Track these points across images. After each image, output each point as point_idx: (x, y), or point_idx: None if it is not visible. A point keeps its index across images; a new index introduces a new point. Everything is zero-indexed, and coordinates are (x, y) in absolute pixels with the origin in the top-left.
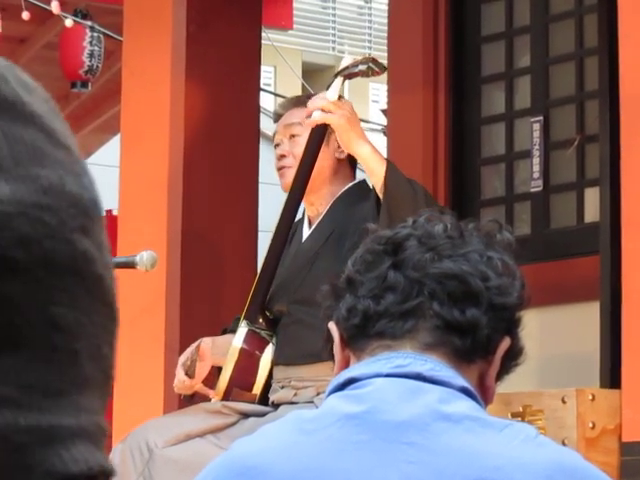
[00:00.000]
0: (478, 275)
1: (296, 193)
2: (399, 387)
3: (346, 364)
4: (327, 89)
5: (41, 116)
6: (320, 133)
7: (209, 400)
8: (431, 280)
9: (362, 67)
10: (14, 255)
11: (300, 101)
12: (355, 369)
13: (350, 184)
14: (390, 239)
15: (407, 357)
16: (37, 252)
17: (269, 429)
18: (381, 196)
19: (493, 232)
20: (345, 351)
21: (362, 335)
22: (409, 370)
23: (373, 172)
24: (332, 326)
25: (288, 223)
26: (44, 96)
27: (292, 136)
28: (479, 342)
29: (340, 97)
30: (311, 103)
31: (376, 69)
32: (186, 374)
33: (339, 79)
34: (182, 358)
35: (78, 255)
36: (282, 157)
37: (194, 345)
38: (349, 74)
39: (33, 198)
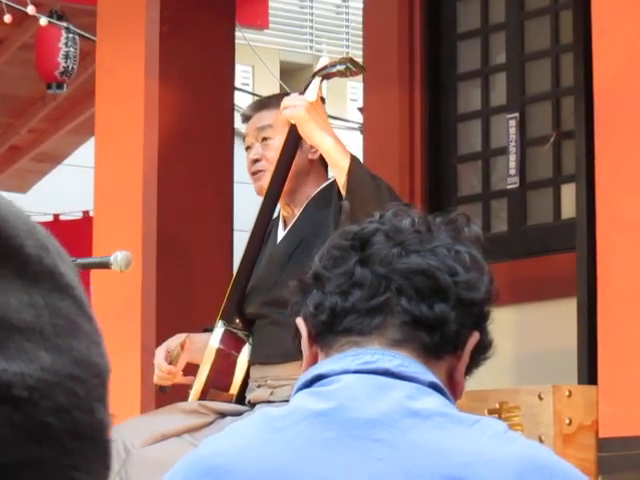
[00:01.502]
0: (446, 270)
1: (272, 196)
2: (367, 384)
3: (314, 360)
4: (304, 90)
5: (74, 287)
6: (296, 135)
7: (186, 396)
8: (398, 276)
9: (340, 67)
10: (50, 422)
11: (270, 103)
12: (323, 366)
13: (324, 184)
14: (357, 234)
15: (375, 353)
16: (67, 421)
17: (237, 427)
18: (343, 191)
19: (461, 226)
20: (313, 347)
21: (330, 331)
22: (377, 366)
23: (336, 165)
24: (300, 322)
25: (264, 225)
26: (71, 263)
27: (264, 139)
28: (447, 337)
29: (322, 99)
30: (283, 103)
31: (354, 69)
32: (170, 363)
33: (317, 79)
34: (166, 347)
35: (96, 424)
36: (255, 161)
37: (181, 337)
38: (327, 74)
39: (67, 369)
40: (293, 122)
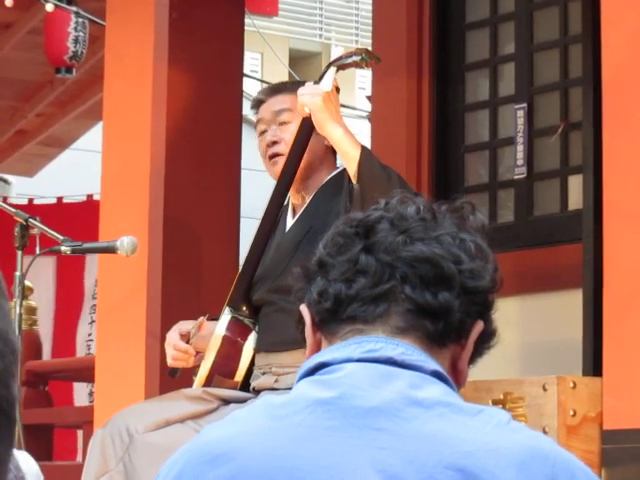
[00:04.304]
0: (450, 258)
1: (283, 184)
2: (370, 372)
3: (318, 347)
4: (319, 79)
5: None
6: (309, 125)
7: (190, 383)
8: (403, 264)
9: (355, 58)
10: None
11: (285, 87)
12: (326, 354)
13: (334, 173)
14: (362, 222)
15: (378, 341)
16: None
17: (239, 415)
18: (354, 180)
19: (466, 214)
20: (317, 334)
21: (333, 319)
22: (380, 355)
23: (347, 155)
24: (304, 309)
25: (275, 213)
26: None
27: (282, 123)
28: (451, 326)
29: (337, 89)
30: (299, 92)
31: (369, 60)
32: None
33: (332, 69)
34: (178, 329)
35: (10, 399)
36: (274, 144)
37: (195, 321)
38: (342, 65)
39: None
40: (308, 111)
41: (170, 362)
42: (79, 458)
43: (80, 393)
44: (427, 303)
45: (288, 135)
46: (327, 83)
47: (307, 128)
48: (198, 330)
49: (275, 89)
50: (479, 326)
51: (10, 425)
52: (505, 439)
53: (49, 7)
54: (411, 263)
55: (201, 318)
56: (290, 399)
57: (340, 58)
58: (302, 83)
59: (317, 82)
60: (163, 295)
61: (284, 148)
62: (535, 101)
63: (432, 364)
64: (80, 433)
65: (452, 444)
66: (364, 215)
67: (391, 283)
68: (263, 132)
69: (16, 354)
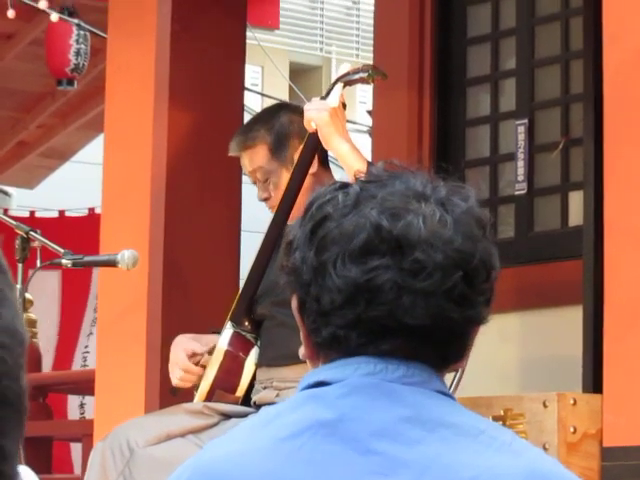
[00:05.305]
0: (464, 317)
1: (288, 200)
2: (371, 394)
3: (315, 352)
4: (326, 95)
5: (1, 256)
6: (315, 141)
7: (191, 397)
8: (409, 325)
9: (362, 74)
10: None
11: (253, 139)
12: (325, 372)
13: None
14: (365, 285)
15: (378, 363)
16: None
17: (240, 432)
18: None
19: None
20: (311, 345)
21: (328, 348)
22: (381, 376)
23: (352, 170)
24: (297, 315)
25: (279, 227)
26: None
27: (265, 181)
28: (457, 356)
29: (344, 105)
30: (306, 107)
31: (376, 77)
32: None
33: (339, 85)
34: (183, 350)
35: (21, 392)
36: (266, 200)
37: (204, 340)
38: (349, 81)
39: None
40: (315, 126)
41: (176, 382)
42: (76, 471)
43: (74, 405)
44: (434, 352)
45: (277, 190)
46: (334, 99)
47: (313, 143)
48: (208, 354)
49: (243, 144)
50: (477, 331)
51: (20, 419)
52: (507, 463)
53: (54, 17)
54: (420, 330)
55: (212, 342)
56: (291, 420)
57: (347, 74)
58: (278, 109)
59: (324, 98)
60: (163, 309)
61: (278, 198)
62: (536, 117)
63: (435, 384)
64: (74, 446)
65: (454, 470)
66: (366, 276)
67: (396, 341)
68: (253, 182)
69: (24, 345)
